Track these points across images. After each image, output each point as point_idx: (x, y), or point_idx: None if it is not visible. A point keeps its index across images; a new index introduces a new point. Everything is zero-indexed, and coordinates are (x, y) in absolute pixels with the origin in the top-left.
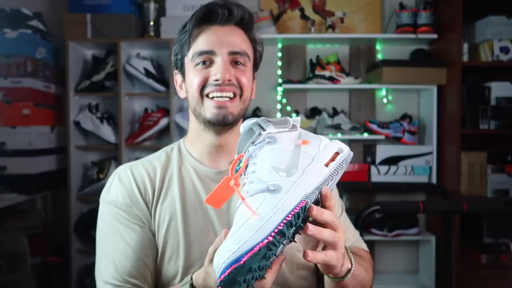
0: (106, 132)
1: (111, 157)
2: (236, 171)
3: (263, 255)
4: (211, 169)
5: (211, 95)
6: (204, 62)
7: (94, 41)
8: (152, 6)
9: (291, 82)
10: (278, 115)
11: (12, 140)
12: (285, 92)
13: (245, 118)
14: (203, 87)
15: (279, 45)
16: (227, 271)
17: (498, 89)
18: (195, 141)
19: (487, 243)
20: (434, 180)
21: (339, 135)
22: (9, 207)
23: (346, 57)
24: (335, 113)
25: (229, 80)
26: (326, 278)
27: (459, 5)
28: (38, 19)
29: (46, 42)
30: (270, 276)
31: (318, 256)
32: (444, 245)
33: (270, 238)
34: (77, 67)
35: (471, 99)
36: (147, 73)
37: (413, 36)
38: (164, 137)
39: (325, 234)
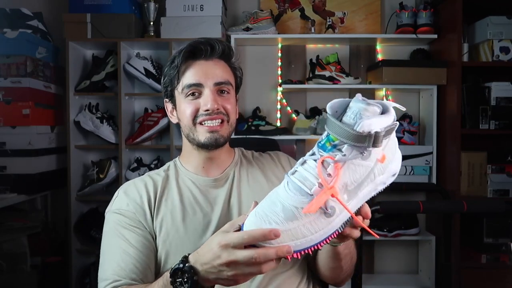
0: (106, 132)
1: (111, 157)
2: (323, 146)
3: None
4: (207, 178)
5: (203, 123)
6: (193, 94)
7: (94, 41)
8: (152, 6)
9: (291, 82)
10: (278, 115)
11: (12, 140)
12: (285, 92)
13: (244, 119)
14: (195, 116)
15: (279, 45)
16: None
17: (498, 89)
18: (189, 158)
19: (487, 243)
20: (434, 180)
21: None
22: (9, 207)
23: (346, 57)
24: None
25: (217, 109)
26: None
27: (459, 5)
28: (38, 19)
29: (46, 42)
30: None
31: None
32: (444, 245)
33: (301, 253)
34: (77, 67)
35: (471, 99)
36: (147, 73)
37: (413, 36)
38: (164, 137)
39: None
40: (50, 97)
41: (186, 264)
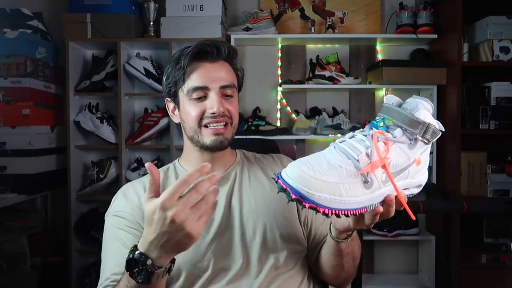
0: (106, 132)
1: (111, 157)
2: (376, 124)
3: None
4: None
5: (208, 125)
6: (199, 97)
7: (94, 41)
8: (152, 6)
9: (291, 82)
10: (278, 115)
11: (12, 140)
12: (285, 92)
13: (244, 119)
14: (200, 118)
15: (279, 45)
16: (293, 195)
17: (498, 89)
18: (191, 158)
19: (487, 243)
20: (434, 180)
21: (339, 135)
22: (9, 207)
23: (346, 57)
24: (335, 113)
25: (223, 112)
26: (328, 240)
27: (459, 5)
28: (38, 19)
29: (46, 42)
30: None
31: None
32: (444, 245)
33: (332, 212)
34: (77, 67)
35: (471, 99)
36: (147, 73)
37: (413, 36)
38: (164, 137)
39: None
40: (50, 97)
41: (136, 252)
